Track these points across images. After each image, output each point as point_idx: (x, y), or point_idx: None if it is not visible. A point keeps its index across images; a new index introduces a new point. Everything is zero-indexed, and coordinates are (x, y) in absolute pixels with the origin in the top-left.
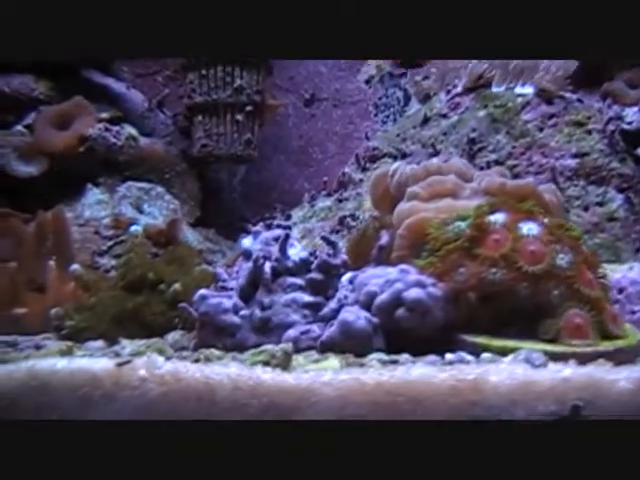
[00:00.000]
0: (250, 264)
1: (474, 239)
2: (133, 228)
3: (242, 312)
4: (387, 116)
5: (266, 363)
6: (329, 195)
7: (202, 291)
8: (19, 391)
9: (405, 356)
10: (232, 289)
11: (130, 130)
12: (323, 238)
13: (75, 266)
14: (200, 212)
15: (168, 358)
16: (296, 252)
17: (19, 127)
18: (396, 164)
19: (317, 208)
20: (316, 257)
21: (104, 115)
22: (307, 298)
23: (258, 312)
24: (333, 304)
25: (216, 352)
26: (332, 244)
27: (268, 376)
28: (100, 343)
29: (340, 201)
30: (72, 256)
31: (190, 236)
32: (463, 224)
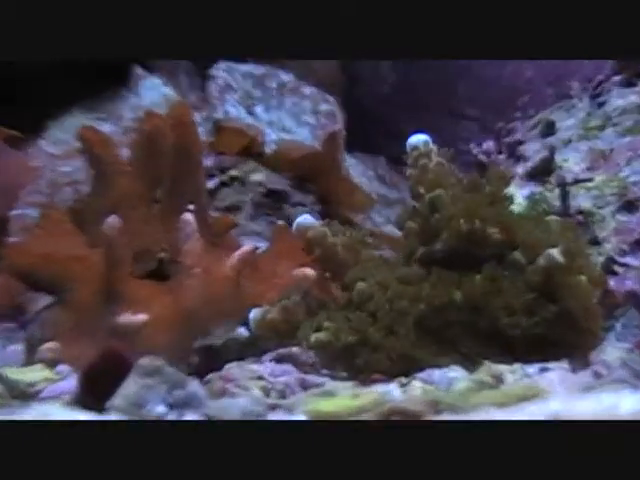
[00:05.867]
0: None
1: None
2: (415, 138)
3: None
4: None
5: None
6: None
7: None
8: None
9: None
10: None
11: None
12: None
13: (306, 216)
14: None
15: None
16: None
17: None
18: None
19: None
20: None
21: None
22: None
23: None
24: None
25: None
26: None
27: None
28: (456, 370)
29: None
30: (205, 200)
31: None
32: None
